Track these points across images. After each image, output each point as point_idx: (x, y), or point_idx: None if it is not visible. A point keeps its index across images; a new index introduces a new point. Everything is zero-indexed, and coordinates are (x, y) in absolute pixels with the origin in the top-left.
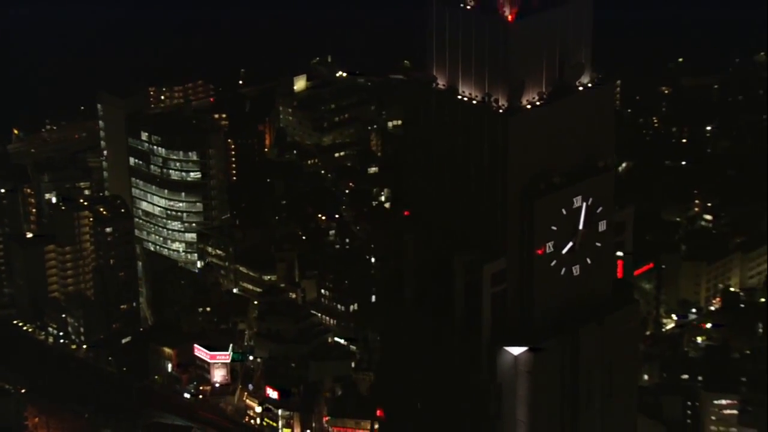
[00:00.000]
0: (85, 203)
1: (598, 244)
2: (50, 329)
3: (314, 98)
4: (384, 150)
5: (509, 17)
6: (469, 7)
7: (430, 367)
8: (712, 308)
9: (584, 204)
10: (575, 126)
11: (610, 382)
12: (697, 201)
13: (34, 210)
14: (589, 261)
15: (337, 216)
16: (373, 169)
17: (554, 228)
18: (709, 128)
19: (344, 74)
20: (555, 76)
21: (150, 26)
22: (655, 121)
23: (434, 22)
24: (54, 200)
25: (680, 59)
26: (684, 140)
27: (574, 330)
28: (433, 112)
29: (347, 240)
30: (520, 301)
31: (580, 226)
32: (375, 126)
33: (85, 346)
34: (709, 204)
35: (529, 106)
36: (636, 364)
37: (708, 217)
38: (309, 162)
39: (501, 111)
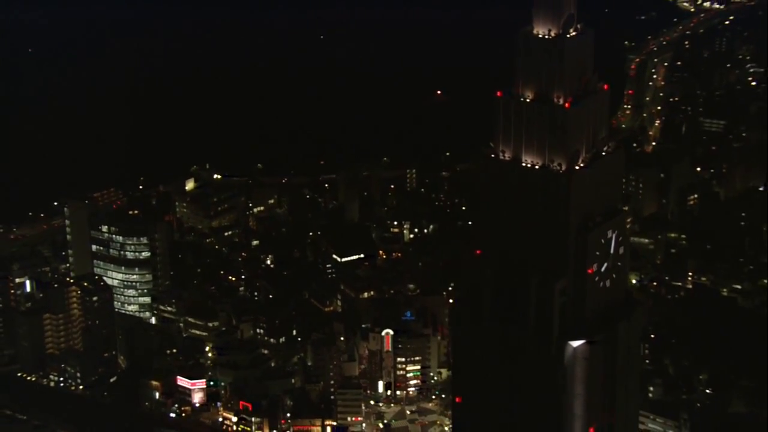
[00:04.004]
0: (72, 281)
1: (619, 264)
2: (51, 377)
3: (201, 195)
4: (259, 228)
5: (566, 105)
6: (528, 101)
7: (507, 361)
8: None
9: (613, 235)
10: (604, 180)
11: (630, 363)
12: None
13: (12, 291)
14: (614, 276)
15: (243, 277)
16: (255, 242)
17: (597, 253)
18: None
19: (219, 176)
20: (591, 145)
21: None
22: (442, 196)
23: (501, 112)
24: (28, 282)
25: (447, 153)
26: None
27: (613, 326)
28: (502, 177)
29: (255, 293)
30: (576, 307)
31: (611, 251)
32: (250, 211)
33: (81, 387)
34: None
35: (577, 168)
36: (639, 349)
37: None
38: (207, 241)
39: (561, 172)
